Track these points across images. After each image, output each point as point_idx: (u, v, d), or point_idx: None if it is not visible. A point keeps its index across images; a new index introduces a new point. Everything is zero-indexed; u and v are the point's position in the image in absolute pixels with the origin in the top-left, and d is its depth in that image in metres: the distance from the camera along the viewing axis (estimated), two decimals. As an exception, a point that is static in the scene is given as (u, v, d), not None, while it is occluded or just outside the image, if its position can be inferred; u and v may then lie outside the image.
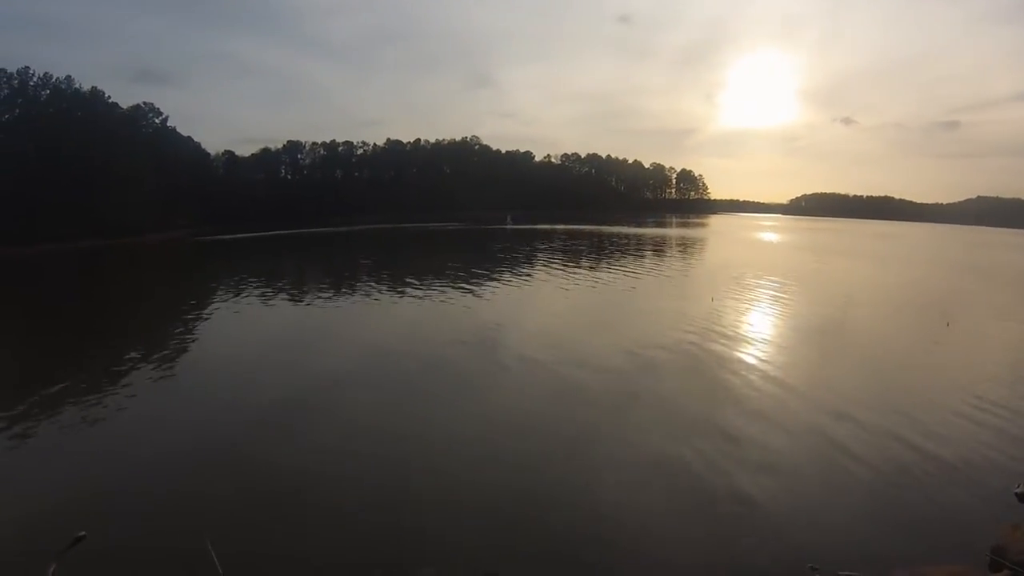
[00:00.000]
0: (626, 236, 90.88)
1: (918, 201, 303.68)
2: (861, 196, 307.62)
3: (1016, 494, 10.66)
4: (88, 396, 17.26)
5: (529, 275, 44.20)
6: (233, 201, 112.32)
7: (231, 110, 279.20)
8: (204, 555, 6.00)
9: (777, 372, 19.68)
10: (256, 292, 36.16)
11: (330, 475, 12.25)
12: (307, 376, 19.17)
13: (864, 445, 13.69)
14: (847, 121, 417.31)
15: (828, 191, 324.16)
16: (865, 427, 14.81)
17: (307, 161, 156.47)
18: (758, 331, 26.36)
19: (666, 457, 13.18)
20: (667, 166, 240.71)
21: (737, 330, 25.90)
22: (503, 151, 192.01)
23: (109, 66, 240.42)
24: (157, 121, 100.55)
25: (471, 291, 36.00)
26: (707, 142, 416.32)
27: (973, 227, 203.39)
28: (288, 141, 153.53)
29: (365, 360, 21.21)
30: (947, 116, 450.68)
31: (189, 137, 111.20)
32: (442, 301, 32.64)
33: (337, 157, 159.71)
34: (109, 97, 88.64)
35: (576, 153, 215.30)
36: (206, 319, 29.43)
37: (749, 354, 21.86)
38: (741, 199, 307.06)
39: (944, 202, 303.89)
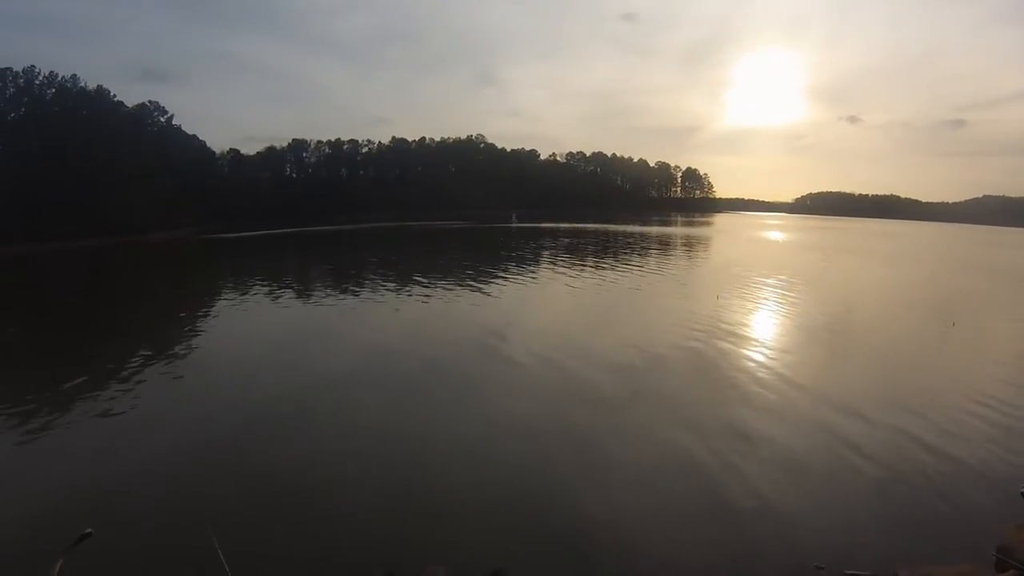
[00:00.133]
0: (631, 235, 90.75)
1: (924, 200, 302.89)
2: (867, 195, 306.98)
3: (1023, 494, 10.61)
4: (93, 394, 17.34)
5: (535, 273, 44.16)
6: (238, 200, 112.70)
7: (236, 109, 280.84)
8: (210, 552, 6.02)
9: (783, 370, 19.59)
10: (261, 290, 36.23)
11: (334, 474, 12.26)
12: (311, 375, 19.19)
13: (871, 444, 13.63)
14: (853, 119, 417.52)
15: (834, 190, 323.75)
16: (872, 426, 14.75)
17: (312, 160, 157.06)
18: (764, 330, 26.30)
19: (670, 456, 13.15)
20: (672, 164, 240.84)
21: (743, 329, 25.80)
22: (508, 149, 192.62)
23: (114, 65, 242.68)
24: (162, 120, 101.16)
25: (477, 289, 36.00)
26: (712, 140, 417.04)
27: (980, 226, 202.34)
28: (293, 140, 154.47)
29: (369, 359, 21.20)
30: (954, 115, 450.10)
31: (194, 136, 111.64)
32: (447, 300, 32.65)
33: (342, 155, 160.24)
34: (114, 96, 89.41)
35: (581, 152, 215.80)
36: (210, 317, 29.53)
37: (755, 353, 21.78)
38: (746, 198, 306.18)
39: (951, 201, 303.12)
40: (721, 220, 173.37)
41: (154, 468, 12.52)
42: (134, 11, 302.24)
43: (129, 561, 9.09)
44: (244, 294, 35.08)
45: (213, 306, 32.09)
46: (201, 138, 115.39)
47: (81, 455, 13.32)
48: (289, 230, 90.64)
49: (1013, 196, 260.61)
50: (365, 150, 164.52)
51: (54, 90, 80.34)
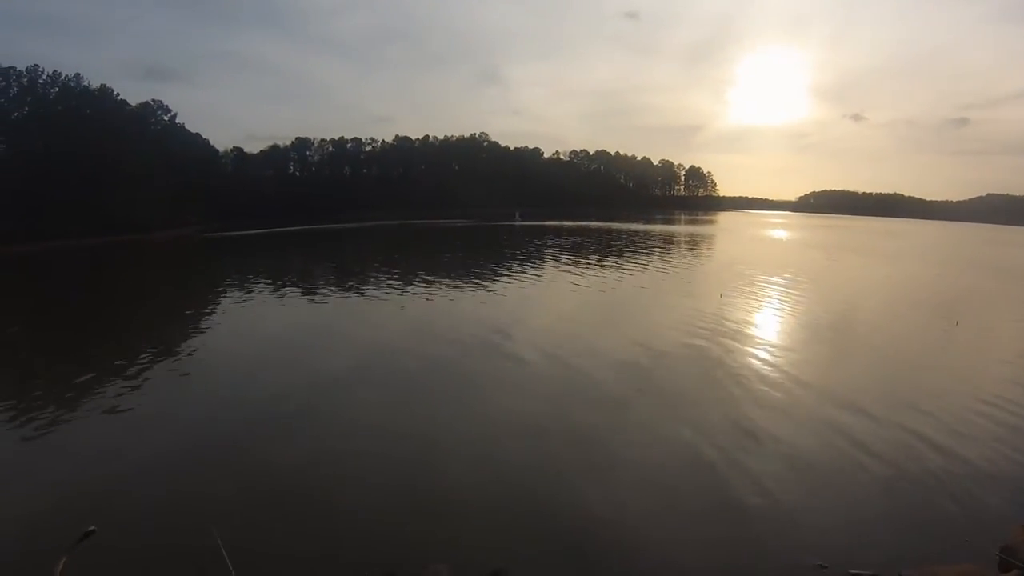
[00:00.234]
0: (635, 233, 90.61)
1: (928, 199, 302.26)
2: (871, 193, 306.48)
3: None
4: (96, 393, 17.37)
5: (539, 272, 44.12)
6: (241, 198, 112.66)
7: (239, 107, 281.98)
8: (213, 550, 6.02)
9: (788, 368, 19.57)
10: (264, 289, 36.31)
11: (337, 473, 12.27)
12: (314, 374, 19.20)
13: (875, 443, 13.59)
14: (857, 118, 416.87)
15: (837, 188, 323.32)
16: (876, 425, 14.72)
17: (316, 158, 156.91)
18: (769, 328, 26.26)
19: (674, 454, 13.14)
20: (676, 163, 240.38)
21: (747, 327, 25.75)
22: (511, 148, 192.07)
23: (118, 63, 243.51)
24: (166, 118, 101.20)
25: (481, 287, 36.03)
26: (716, 139, 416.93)
27: (984, 225, 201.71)
28: (297, 138, 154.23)
29: (372, 357, 21.21)
30: (958, 113, 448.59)
31: (198, 134, 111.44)
32: (451, 298, 32.69)
33: (346, 154, 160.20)
34: (118, 94, 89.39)
35: (585, 150, 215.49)
36: (213, 316, 29.55)
37: (760, 351, 21.74)
38: (750, 196, 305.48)
39: (955, 200, 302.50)
40: (725, 218, 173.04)
41: (157, 466, 12.55)
42: (137, 10, 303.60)
43: (132, 559, 9.11)
44: (247, 292, 35.15)
45: (216, 304, 32.13)
46: (204, 136, 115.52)
47: (84, 453, 13.36)
48: (292, 228, 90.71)
49: (1017, 195, 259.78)
50: (368, 148, 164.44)
51: (57, 89, 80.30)
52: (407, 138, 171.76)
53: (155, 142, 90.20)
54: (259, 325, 27.12)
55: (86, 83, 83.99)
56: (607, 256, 56.83)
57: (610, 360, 20.42)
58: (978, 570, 8.44)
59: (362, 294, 34.76)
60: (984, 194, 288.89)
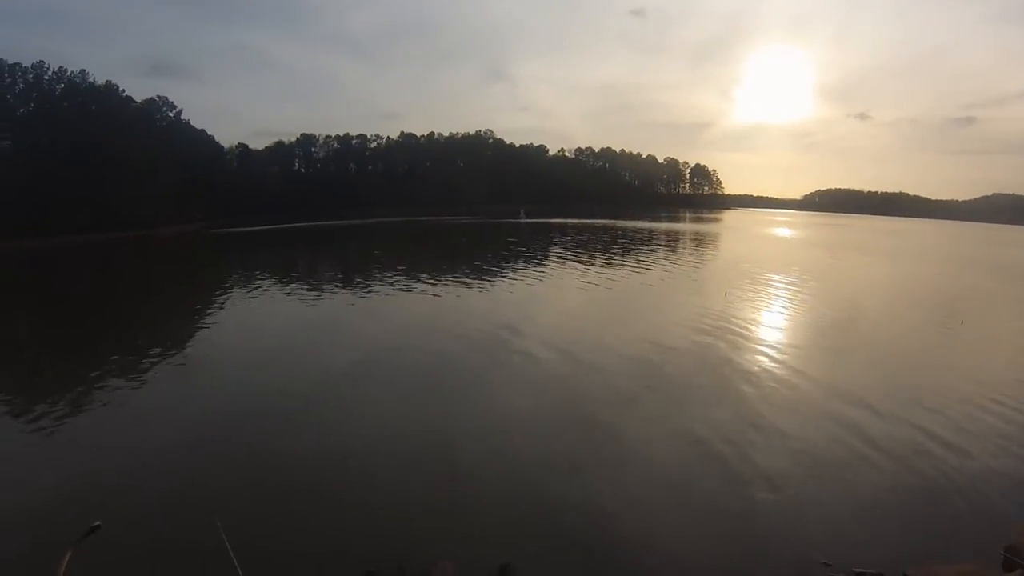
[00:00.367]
0: (641, 231, 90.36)
1: (933, 198, 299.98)
2: (875, 192, 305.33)
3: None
4: (102, 388, 17.45)
5: (545, 269, 44.15)
6: (246, 194, 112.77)
7: (244, 103, 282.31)
8: (217, 545, 6.03)
9: (794, 366, 19.57)
10: (269, 284, 36.38)
11: (343, 469, 12.31)
12: (320, 369, 19.23)
13: (881, 440, 13.58)
14: (862, 117, 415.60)
15: (842, 187, 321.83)
16: (882, 422, 14.70)
17: (321, 154, 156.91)
18: (774, 326, 26.26)
19: (681, 451, 13.17)
20: (681, 161, 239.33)
21: (753, 325, 25.75)
22: (517, 145, 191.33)
23: (124, 59, 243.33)
24: (171, 114, 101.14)
25: (488, 284, 36.10)
26: (721, 137, 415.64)
27: (989, 224, 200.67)
28: (302, 134, 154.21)
29: (379, 353, 21.25)
30: (963, 112, 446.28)
31: (203, 130, 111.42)
32: (458, 295, 32.71)
33: (351, 150, 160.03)
34: (123, 91, 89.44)
35: (590, 147, 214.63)
36: (219, 312, 29.60)
37: (765, 348, 21.73)
38: (755, 194, 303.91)
39: (959, 199, 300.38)
40: (730, 217, 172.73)
41: (163, 461, 12.60)
42: (143, 5, 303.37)
43: (137, 555, 9.14)
44: (253, 288, 35.20)
45: (222, 300, 32.21)
46: (210, 133, 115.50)
47: (91, 448, 13.42)
48: (297, 224, 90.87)
49: (1022, 194, 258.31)
50: (374, 145, 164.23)
51: (63, 85, 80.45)
52: (412, 135, 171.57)
53: (160, 138, 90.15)
54: (265, 321, 27.18)
55: (91, 79, 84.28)
56: (613, 254, 56.70)
57: (619, 356, 20.43)
58: (982, 569, 8.41)
59: (368, 290, 34.78)
60: (989, 193, 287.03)
